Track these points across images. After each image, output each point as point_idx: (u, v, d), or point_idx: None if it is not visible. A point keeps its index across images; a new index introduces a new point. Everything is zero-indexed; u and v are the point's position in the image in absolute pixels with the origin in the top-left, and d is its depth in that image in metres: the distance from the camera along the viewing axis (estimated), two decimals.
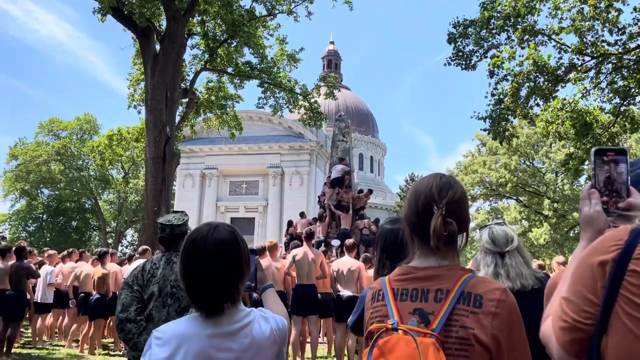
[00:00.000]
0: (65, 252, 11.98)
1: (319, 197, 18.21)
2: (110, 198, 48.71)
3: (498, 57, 14.57)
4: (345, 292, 8.30)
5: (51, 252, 11.92)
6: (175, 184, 39.48)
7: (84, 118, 47.14)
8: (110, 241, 48.13)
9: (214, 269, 1.68)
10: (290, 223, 17.15)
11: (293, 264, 8.44)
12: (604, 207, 1.23)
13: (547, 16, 14.23)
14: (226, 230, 1.76)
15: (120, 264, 11.45)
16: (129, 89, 22.61)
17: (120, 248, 48.34)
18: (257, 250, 9.19)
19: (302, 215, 17.88)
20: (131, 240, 51.21)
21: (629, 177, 1.24)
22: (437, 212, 1.51)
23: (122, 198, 46.17)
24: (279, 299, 2.15)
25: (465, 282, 1.47)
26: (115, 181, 47.52)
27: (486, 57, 14.79)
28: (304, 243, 8.71)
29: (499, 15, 14.06)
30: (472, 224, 42.81)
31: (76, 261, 11.48)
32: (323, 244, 13.82)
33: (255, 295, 7.38)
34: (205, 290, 1.68)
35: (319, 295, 8.59)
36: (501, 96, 14.78)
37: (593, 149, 1.27)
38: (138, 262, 9.68)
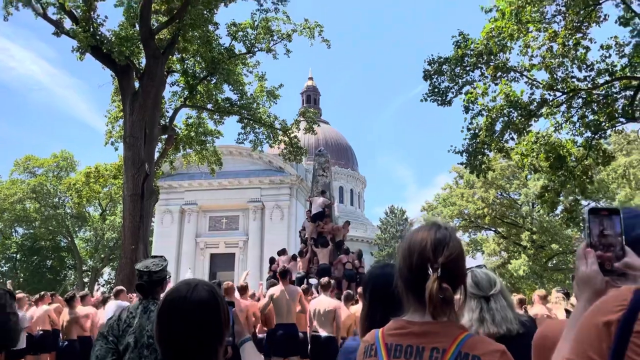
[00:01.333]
0: (37, 296, 11.62)
1: (299, 231, 18.14)
2: (87, 236, 47.74)
3: (472, 93, 14.96)
4: (322, 333, 8.17)
5: (20, 295, 11.51)
6: (153, 220, 38.95)
7: (60, 155, 46.54)
8: (86, 280, 46.91)
9: (193, 335, 1.60)
10: (272, 260, 16.99)
11: (270, 303, 8.32)
12: (600, 266, 1.22)
13: (518, 54, 14.76)
14: (206, 291, 1.67)
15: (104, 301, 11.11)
16: (107, 125, 22.48)
17: (96, 287, 47.15)
18: (239, 289, 9.07)
19: (282, 252, 17.71)
20: (108, 279, 50.03)
21: (624, 237, 1.24)
22: (432, 275, 1.44)
23: (99, 235, 45.30)
24: (257, 353, 2.10)
25: (462, 342, 1.42)
26: (92, 218, 46.68)
27: (461, 93, 15.18)
28: (280, 281, 8.62)
29: (472, 52, 14.51)
30: None
31: (49, 304, 11.13)
32: (305, 281, 13.70)
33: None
34: (182, 357, 1.60)
35: (300, 334, 8.44)
36: (476, 130, 15.11)
37: (587, 209, 1.28)
38: (111, 304, 9.44)
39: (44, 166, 46.08)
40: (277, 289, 8.44)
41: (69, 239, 46.65)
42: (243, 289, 9.19)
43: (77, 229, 47.54)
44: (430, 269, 1.45)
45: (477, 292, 2.63)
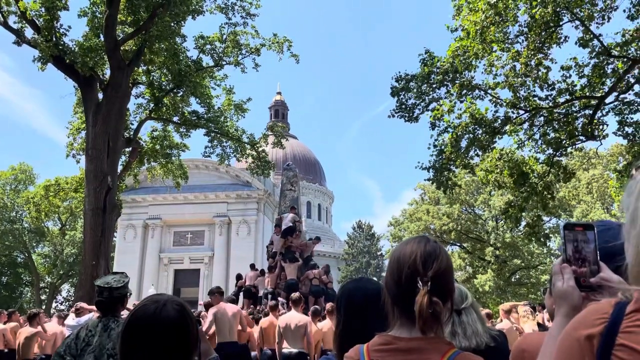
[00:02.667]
0: None
1: (267, 246, 17.95)
2: (45, 251, 46.08)
3: (438, 110, 15.19)
4: (292, 349, 8.04)
5: None
6: (115, 235, 37.92)
7: (19, 168, 45.01)
8: (43, 297, 45.19)
9: (159, 355, 1.50)
10: (239, 276, 16.73)
11: (214, 322, 8.14)
12: (576, 282, 1.23)
13: (482, 72, 15.09)
14: (175, 310, 1.57)
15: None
16: (68, 137, 21.88)
17: (54, 304, 45.43)
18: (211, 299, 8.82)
19: (252, 267, 17.50)
20: (67, 296, 48.31)
21: (598, 252, 1.25)
22: (422, 288, 1.41)
23: (58, 251, 43.79)
24: None
25: (451, 359, 1.39)
26: (51, 233, 45.13)
27: (428, 110, 15.39)
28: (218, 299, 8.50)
29: (438, 70, 14.76)
30: None
31: (4, 323, 10.60)
32: (270, 297, 13.51)
33: None
34: None
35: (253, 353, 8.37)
36: (442, 147, 15.32)
37: (562, 224, 1.29)
38: (70, 321, 9.08)
39: (0, 179, 44.44)
40: (219, 307, 8.30)
41: (26, 255, 44.96)
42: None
43: (34, 244, 45.88)
44: (420, 283, 1.42)
45: None
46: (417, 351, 1.42)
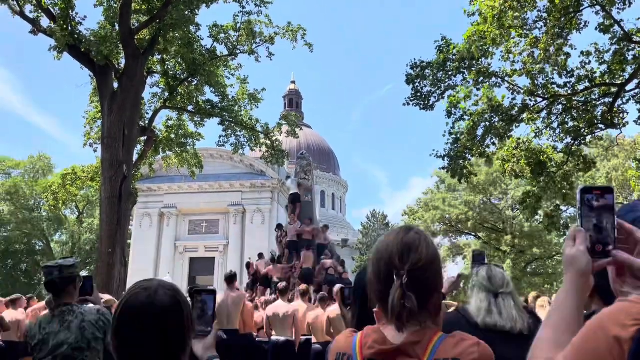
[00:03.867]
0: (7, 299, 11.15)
1: (276, 236, 17.97)
2: (63, 239, 46.80)
3: (455, 97, 14.98)
4: (280, 337, 8.08)
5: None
6: (131, 223, 38.34)
7: (37, 157, 45.63)
8: None
9: (154, 344, 1.46)
10: (248, 265, 16.78)
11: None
12: (590, 248, 1.16)
13: (500, 59, 14.82)
14: (168, 295, 1.51)
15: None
16: (85, 127, 22.05)
17: None
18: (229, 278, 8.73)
19: (260, 256, 17.51)
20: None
21: (617, 220, 1.17)
22: (396, 281, 1.34)
23: (76, 239, 44.42)
24: None
25: (436, 347, 1.33)
26: (69, 221, 45.78)
27: (443, 98, 15.19)
28: (227, 286, 8.47)
29: (454, 57, 14.54)
30: None
31: (25, 309, 10.70)
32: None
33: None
34: None
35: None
36: (458, 135, 15.13)
37: (579, 188, 1.21)
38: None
39: (19, 167, 45.09)
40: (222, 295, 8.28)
41: (45, 242, 45.68)
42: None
43: (53, 232, 46.59)
44: (395, 277, 1.34)
45: (489, 286, 2.70)
46: (405, 347, 1.35)
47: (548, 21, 13.59)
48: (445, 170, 16.45)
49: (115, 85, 17.90)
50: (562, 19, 13.52)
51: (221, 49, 21.48)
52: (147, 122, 20.87)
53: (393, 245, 1.41)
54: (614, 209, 1.18)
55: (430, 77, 15.05)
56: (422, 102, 15.22)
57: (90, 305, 3.63)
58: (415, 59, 15.23)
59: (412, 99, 15.48)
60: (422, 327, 1.38)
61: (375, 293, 1.44)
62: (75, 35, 16.98)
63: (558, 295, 1.19)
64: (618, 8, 13.79)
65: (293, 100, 67.59)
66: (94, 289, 3.97)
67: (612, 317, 1.01)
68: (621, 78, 14.37)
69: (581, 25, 14.01)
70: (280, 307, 8.28)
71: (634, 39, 13.61)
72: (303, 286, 8.92)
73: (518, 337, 2.46)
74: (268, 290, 14.79)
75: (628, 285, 1.14)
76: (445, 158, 15.48)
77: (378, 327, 1.44)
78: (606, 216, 1.16)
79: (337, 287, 9.01)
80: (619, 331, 0.96)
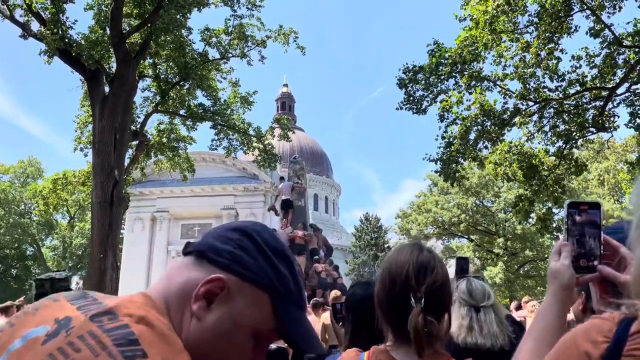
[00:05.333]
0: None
1: None
2: (54, 243, 46.44)
3: (447, 101, 15.02)
4: (272, 345, 7.95)
5: None
6: (123, 228, 38.11)
7: (27, 161, 45.28)
8: None
9: None
10: None
11: None
12: (575, 263, 1.16)
13: (491, 63, 14.88)
14: None
15: None
16: (75, 131, 21.91)
17: None
18: None
19: None
20: (76, 288, 48.63)
21: (602, 235, 1.17)
22: (415, 306, 1.30)
23: (67, 243, 44.09)
24: None
25: None
26: (60, 226, 45.44)
27: (436, 102, 15.22)
28: None
29: (446, 61, 14.57)
30: None
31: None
32: None
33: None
34: None
35: None
36: (451, 139, 15.17)
37: (566, 202, 1.21)
38: None
39: (9, 172, 44.72)
40: None
41: (35, 247, 45.31)
42: None
43: (43, 236, 46.23)
44: (413, 299, 1.31)
45: (470, 301, 2.64)
46: None
47: (539, 25, 13.67)
48: (438, 173, 16.49)
49: (107, 89, 17.78)
50: (553, 23, 13.60)
51: (213, 53, 21.45)
52: (138, 126, 20.76)
53: (408, 265, 1.37)
54: (600, 225, 1.18)
55: (423, 82, 15.08)
56: (415, 107, 15.25)
57: None
58: (407, 63, 15.26)
59: (404, 103, 15.50)
60: (434, 351, 1.36)
61: (386, 314, 1.40)
62: (66, 40, 16.85)
63: (541, 307, 1.21)
64: (608, 12, 13.90)
65: (285, 103, 67.59)
66: None
67: (584, 333, 1.02)
68: (612, 82, 14.47)
69: (572, 30, 14.10)
70: None
71: (624, 43, 13.71)
72: None
73: (499, 355, 2.45)
74: None
75: (602, 303, 1.15)
76: (438, 162, 15.52)
77: (386, 349, 1.40)
78: (592, 231, 1.17)
79: (334, 293, 8.98)
80: (589, 347, 0.97)
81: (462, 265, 3.23)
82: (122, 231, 32.20)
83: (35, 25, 17.30)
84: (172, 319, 0.90)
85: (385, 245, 49.82)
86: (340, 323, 2.90)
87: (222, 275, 0.90)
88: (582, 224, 1.17)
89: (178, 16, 18.52)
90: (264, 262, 0.95)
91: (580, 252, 1.16)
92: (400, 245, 1.49)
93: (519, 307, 8.31)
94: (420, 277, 1.34)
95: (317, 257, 16.34)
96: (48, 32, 16.33)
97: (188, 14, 19.10)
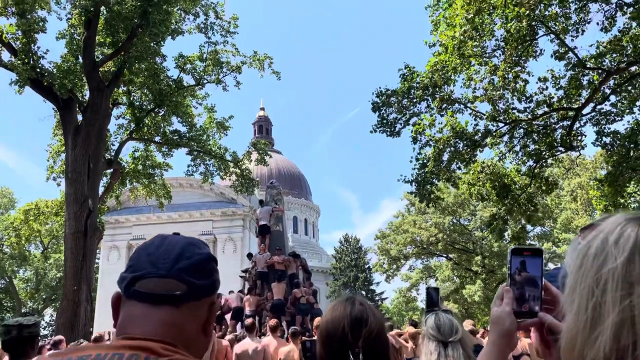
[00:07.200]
0: None
1: (243, 270, 17.73)
2: (27, 275, 45.19)
3: (419, 124, 15.28)
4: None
5: None
6: (98, 257, 37.36)
7: (0, 192, 44.31)
8: None
9: None
10: (217, 296, 16.40)
11: None
12: (517, 308, 1.19)
13: (461, 86, 15.22)
14: None
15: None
16: (48, 160, 21.59)
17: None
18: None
19: (230, 292, 17.06)
20: (49, 321, 47.32)
21: (544, 280, 1.20)
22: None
23: (40, 275, 42.95)
24: None
25: None
26: (33, 257, 44.30)
27: (409, 124, 15.47)
28: None
29: (418, 85, 14.86)
30: (406, 284, 43.28)
31: None
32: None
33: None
34: None
35: None
36: (425, 161, 15.38)
37: (510, 249, 1.24)
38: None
39: None
40: None
41: (7, 280, 44.03)
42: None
43: (16, 268, 44.98)
44: (352, 356, 1.35)
45: (438, 336, 2.61)
46: None
47: (506, 49, 14.07)
48: (413, 195, 16.66)
49: (80, 118, 17.64)
50: (519, 47, 14.01)
51: (188, 79, 21.48)
52: (113, 154, 20.56)
53: (343, 321, 1.41)
54: (542, 271, 1.21)
55: (396, 105, 15.34)
56: (388, 129, 15.46)
57: None
58: (380, 87, 15.53)
59: (378, 126, 15.71)
60: None
61: None
62: (38, 69, 16.74)
63: (480, 355, 1.23)
64: (571, 36, 14.40)
65: (263, 127, 67.68)
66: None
67: None
68: (578, 102, 14.92)
69: (537, 53, 14.54)
70: (248, 344, 8.13)
71: (587, 65, 14.19)
72: (273, 321, 8.79)
73: None
74: (239, 324, 14.50)
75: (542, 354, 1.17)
76: (413, 183, 15.69)
77: None
78: (534, 277, 1.20)
79: (317, 321, 8.90)
80: None
81: (432, 296, 3.26)
82: (97, 260, 31.53)
83: (5, 55, 17.16)
84: None
85: (366, 266, 49.74)
86: None
87: None
88: (525, 270, 1.21)
89: (152, 44, 18.56)
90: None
91: (523, 297, 1.19)
92: (334, 302, 1.53)
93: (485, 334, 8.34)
94: (355, 331, 1.38)
95: (297, 281, 16.25)
96: (19, 62, 16.21)
97: (162, 42, 19.16)
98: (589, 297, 0.85)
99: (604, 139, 15.25)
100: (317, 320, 9.08)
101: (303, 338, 8.60)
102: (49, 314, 48.02)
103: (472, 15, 13.39)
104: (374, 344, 1.38)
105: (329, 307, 1.53)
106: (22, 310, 44.57)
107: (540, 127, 15.38)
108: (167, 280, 1.05)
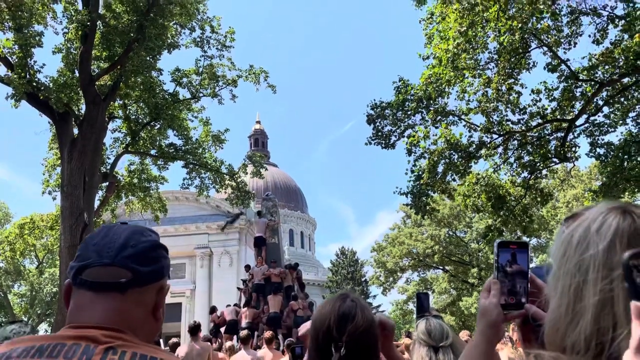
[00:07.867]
0: None
1: (243, 280, 17.69)
2: (22, 290, 44.82)
3: (414, 136, 15.37)
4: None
5: None
6: None
7: None
8: None
9: None
10: (213, 309, 16.37)
11: None
12: (503, 302, 1.22)
13: (455, 98, 15.35)
14: None
15: None
16: (43, 174, 21.54)
17: None
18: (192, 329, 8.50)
19: (227, 306, 17.04)
20: None
21: (530, 273, 1.24)
22: (334, 354, 1.36)
23: (35, 290, 42.59)
24: None
25: None
26: (28, 272, 43.98)
27: (403, 137, 15.56)
28: (190, 338, 8.27)
29: (412, 98, 14.98)
30: (403, 296, 43.09)
31: None
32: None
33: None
34: None
35: None
36: (420, 173, 15.45)
37: (496, 242, 1.27)
38: None
39: None
40: (184, 347, 8.07)
41: (2, 295, 43.64)
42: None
43: (11, 283, 44.62)
44: (334, 349, 1.37)
45: (429, 341, 2.67)
46: None
47: (499, 62, 14.22)
48: (409, 207, 16.69)
49: (76, 131, 17.65)
50: (512, 60, 14.17)
51: (184, 93, 21.57)
52: (108, 167, 20.56)
53: (330, 317, 1.43)
54: (528, 264, 1.25)
55: (390, 117, 15.43)
56: (383, 142, 15.55)
57: None
58: (375, 100, 15.64)
59: (373, 138, 15.79)
60: None
61: None
62: (34, 83, 16.77)
63: (468, 345, 1.27)
64: (564, 48, 14.57)
65: (259, 140, 67.87)
66: None
67: None
68: (571, 114, 15.05)
69: (530, 65, 14.70)
70: (243, 357, 8.09)
71: (580, 77, 14.33)
72: (268, 333, 8.77)
73: None
74: (235, 338, 14.42)
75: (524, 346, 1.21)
76: (409, 195, 15.74)
77: None
78: (520, 270, 1.23)
79: (302, 327, 8.87)
80: None
81: (423, 301, 3.28)
82: None
83: (1, 70, 17.21)
84: None
85: (362, 279, 49.61)
86: None
87: None
88: (511, 263, 1.24)
89: (148, 58, 18.65)
90: None
91: (509, 289, 1.22)
92: (328, 298, 1.55)
93: None
94: (341, 326, 1.40)
95: (294, 293, 16.20)
96: (15, 76, 16.24)
97: (158, 56, 19.26)
98: (571, 282, 0.88)
99: (598, 150, 15.36)
100: (267, 333, 9.10)
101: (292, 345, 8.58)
102: (43, 329, 47.52)
103: (465, 28, 13.54)
104: (360, 339, 1.39)
105: (321, 303, 1.55)
106: None
107: (534, 139, 15.49)
108: (112, 268, 1.11)
